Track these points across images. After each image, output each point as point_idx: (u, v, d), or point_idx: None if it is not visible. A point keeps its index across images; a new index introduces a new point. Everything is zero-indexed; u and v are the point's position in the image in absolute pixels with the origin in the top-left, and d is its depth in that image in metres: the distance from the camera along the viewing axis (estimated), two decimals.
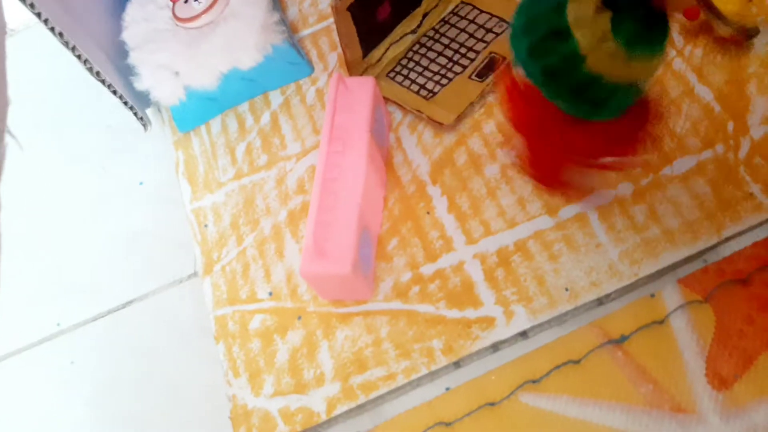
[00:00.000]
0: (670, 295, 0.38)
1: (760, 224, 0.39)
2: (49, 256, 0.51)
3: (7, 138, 0.29)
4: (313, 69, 0.52)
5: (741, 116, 0.42)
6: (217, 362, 0.43)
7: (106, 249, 0.50)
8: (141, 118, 0.50)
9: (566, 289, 0.39)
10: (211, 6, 0.48)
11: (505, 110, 0.34)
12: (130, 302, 0.48)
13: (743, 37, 0.44)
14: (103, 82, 0.46)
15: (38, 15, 0.40)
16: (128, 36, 0.49)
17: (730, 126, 0.42)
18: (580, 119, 0.28)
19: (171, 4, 0.49)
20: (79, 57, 0.44)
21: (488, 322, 0.40)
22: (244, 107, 0.52)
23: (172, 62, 0.47)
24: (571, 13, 0.22)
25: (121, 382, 0.45)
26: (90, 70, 0.45)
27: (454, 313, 0.40)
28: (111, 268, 0.49)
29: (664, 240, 0.39)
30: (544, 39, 0.23)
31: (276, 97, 0.52)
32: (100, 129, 0.54)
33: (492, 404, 0.37)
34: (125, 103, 0.49)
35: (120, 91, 0.48)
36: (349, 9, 0.43)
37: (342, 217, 0.39)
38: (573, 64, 0.23)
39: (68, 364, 0.46)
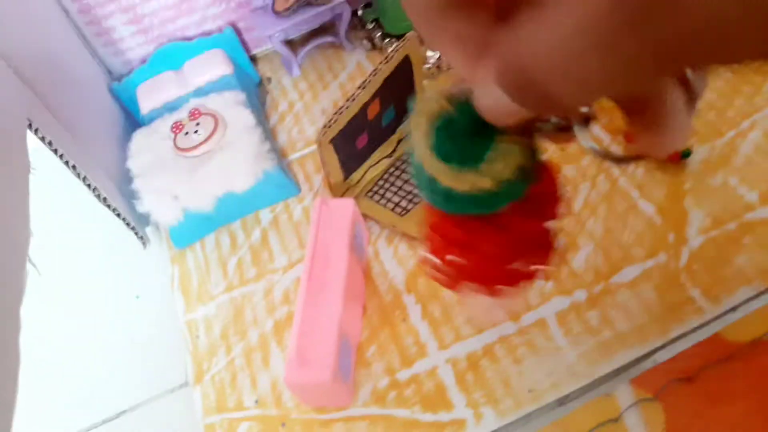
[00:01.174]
0: (624, 394, 0.41)
1: (701, 326, 0.43)
2: (45, 368, 0.54)
3: (28, 265, 0.33)
4: (299, 189, 0.57)
5: (680, 228, 0.47)
6: None
7: (102, 360, 0.53)
8: (141, 237, 0.55)
9: (529, 391, 0.42)
10: (209, 137, 0.54)
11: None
12: (123, 412, 0.50)
13: (677, 157, 0.50)
14: (109, 206, 0.51)
15: (55, 151, 0.46)
16: (133, 164, 0.55)
17: (671, 237, 0.47)
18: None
19: (173, 135, 0.55)
20: (89, 186, 0.49)
21: (459, 424, 0.42)
22: (236, 225, 0.57)
23: (172, 187, 0.53)
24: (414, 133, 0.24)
25: None
26: (98, 197, 0.50)
27: (428, 417, 0.43)
28: (106, 379, 0.52)
29: (617, 342, 0.43)
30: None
31: (266, 215, 0.57)
32: (102, 247, 0.58)
33: None
34: (128, 225, 0.53)
35: (123, 214, 0.53)
36: (331, 142, 0.49)
37: (323, 328, 0.43)
38: (426, 179, 0.24)
39: None
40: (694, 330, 0.43)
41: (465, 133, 0.22)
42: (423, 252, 0.32)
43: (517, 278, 0.30)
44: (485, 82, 0.19)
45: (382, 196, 0.54)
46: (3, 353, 0.29)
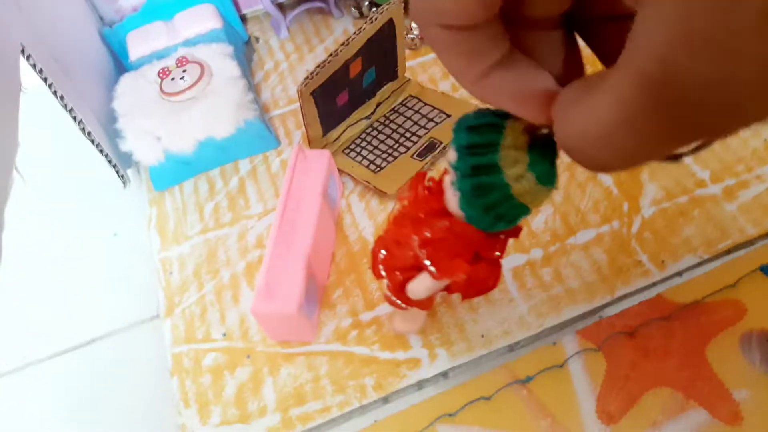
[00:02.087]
0: (569, 344, 0.44)
1: (647, 287, 0.46)
2: (21, 293, 0.55)
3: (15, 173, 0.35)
4: (279, 143, 0.59)
5: (635, 199, 0.50)
6: (170, 394, 0.47)
7: (76, 291, 0.54)
8: (122, 177, 0.57)
9: (482, 336, 0.45)
10: (194, 84, 0.56)
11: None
12: (94, 339, 0.52)
13: None
14: (92, 141, 0.53)
15: (45, 80, 0.47)
16: (118, 104, 0.56)
17: (626, 206, 0.50)
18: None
19: (159, 80, 0.57)
20: (74, 118, 0.51)
21: (415, 362, 0.45)
22: (215, 172, 0.59)
23: (155, 128, 0.54)
24: (502, 155, 0.25)
25: (82, 412, 0.48)
26: (83, 130, 0.52)
27: (386, 355, 0.46)
28: (79, 309, 0.54)
29: (567, 298, 0.46)
30: (481, 167, 0.26)
31: (245, 165, 0.59)
32: (85, 181, 0.60)
33: None
34: (110, 162, 0.55)
35: (106, 150, 0.54)
36: (312, 94, 0.51)
37: (292, 265, 0.45)
38: (499, 189, 0.26)
39: (33, 395, 0.50)
40: (640, 291, 0.46)
41: (553, 156, 0.25)
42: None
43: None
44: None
45: (358, 153, 0.56)
46: None
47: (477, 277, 0.34)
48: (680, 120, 0.15)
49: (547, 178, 0.25)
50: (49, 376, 0.51)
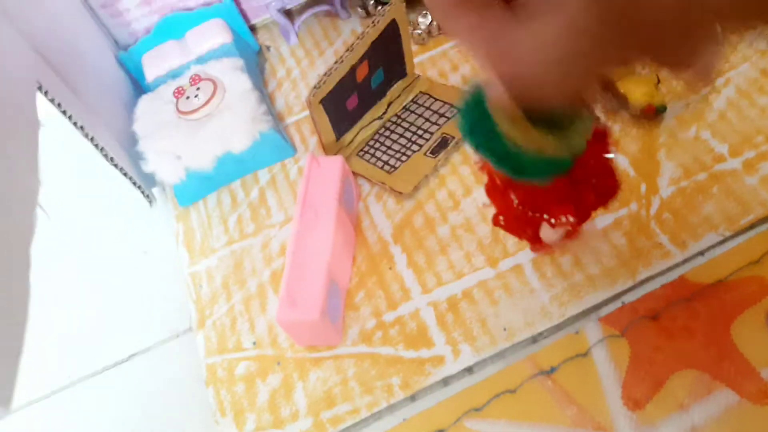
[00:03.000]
0: (592, 331, 0.44)
1: (668, 269, 0.45)
2: (61, 316, 0.58)
3: (38, 210, 0.37)
4: (296, 151, 0.61)
5: (652, 179, 0.50)
6: (207, 405, 0.49)
7: (113, 310, 0.57)
8: (147, 196, 0.59)
9: (504, 329, 0.45)
10: (208, 101, 0.57)
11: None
12: (133, 355, 0.54)
13: (653, 113, 0.52)
14: (116, 166, 0.55)
15: (64, 113, 0.49)
16: (138, 127, 0.58)
17: (643, 187, 0.49)
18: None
19: (175, 99, 0.59)
20: (96, 146, 0.52)
21: (439, 360, 0.46)
22: (236, 184, 0.60)
23: (174, 148, 0.56)
24: (500, 121, 0.26)
25: (126, 426, 0.51)
26: (105, 156, 0.54)
27: (410, 354, 0.47)
28: (117, 327, 0.56)
29: (587, 285, 0.46)
30: (485, 140, 0.27)
31: (264, 175, 0.60)
32: (112, 204, 0.62)
33: (441, 431, 0.43)
34: (134, 184, 0.57)
35: (130, 173, 0.56)
36: (321, 102, 0.52)
37: (313, 273, 0.46)
38: (498, 141, 0.27)
39: (80, 412, 0.52)
40: (662, 273, 0.46)
41: (550, 113, 0.25)
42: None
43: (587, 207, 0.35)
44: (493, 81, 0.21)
45: (372, 155, 0.57)
46: (14, 287, 0.33)
47: (586, 201, 0.35)
48: (628, 31, 0.16)
49: (540, 123, 0.25)
50: (93, 393, 0.53)
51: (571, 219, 0.34)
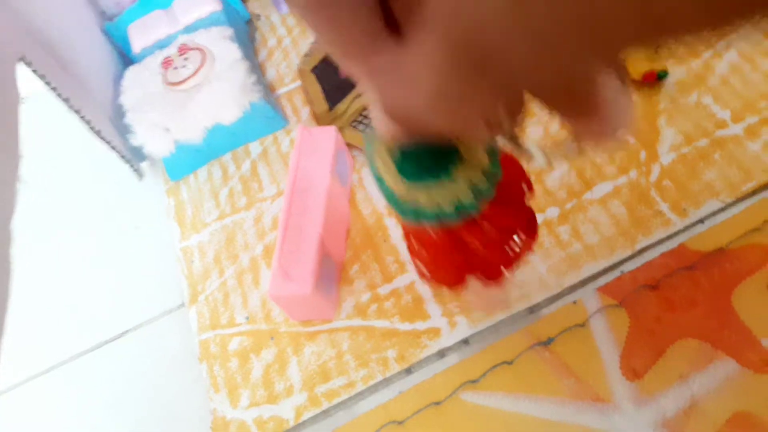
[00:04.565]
0: (590, 301, 0.43)
1: (668, 237, 0.45)
2: (53, 293, 0.57)
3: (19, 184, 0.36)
4: (287, 122, 0.59)
5: (652, 146, 0.48)
6: (201, 380, 0.48)
7: (104, 286, 0.56)
8: (136, 170, 0.57)
9: (500, 301, 0.45)
10: (196, 71, 0.55)
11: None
12: (126, 332, 0.53)
13: (654, 79, 0.51)
14: (103, 139, 0.53)
15: (48, 84, 0.48)
16: (125, 99, 0.57)
17: (643, 154, 0.48)
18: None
19: (162, 70, 0.57)
20: (83, 118, 0.51)
21: (435, 332, 0.45)
22: (227, 157, 0.59)
23: (163, 120, 0.55)
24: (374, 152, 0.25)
25: (120, 402, 0.50)
26: (92, 129, 0.52)
27: (406, 326, 0.46)
28: (109, 303, 0.55)
29: (586, 254, 0.45)
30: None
31: (255, 147, 0.59)
32: (101, 179, 0.61)
33: (437, 403, 0.42)
34: (123, 158, 0.56)
35: (117, 147, 0.55)
36: (312, 71, 0.51)
37: (305, 246, 0.45)
38: (396, 201, 0.25)
39: (74, 389, 0.52)
40: (662, 242, 0.45)
41: (427, 153, 0.23)
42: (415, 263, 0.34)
43: (509, 260, 0.32)
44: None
45: (367, 125, 0.55)
46: None
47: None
48: (495, 74, 0.15)
49: (406, 171, 0.24)
50: (87, 370, 0.52)
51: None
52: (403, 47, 0.17)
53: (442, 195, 0.24)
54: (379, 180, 0.25)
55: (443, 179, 0.24)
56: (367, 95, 0.20)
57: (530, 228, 0.33)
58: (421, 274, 0.35)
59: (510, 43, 0.14)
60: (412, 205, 0.25)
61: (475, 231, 0.30)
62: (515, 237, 0.32)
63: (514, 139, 0.21)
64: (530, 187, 0.32)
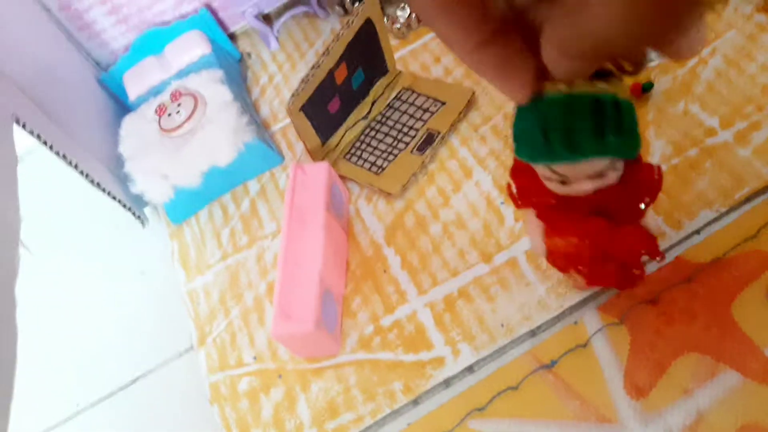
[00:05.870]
0: (591, 321, 0.43)
1: (665, 251, 0.45)
2: (64, 345, 0.58)
3: (21, 249, 0.37)
4: (283, 158, 0.60)
5: (643, 158, 0.48)
6: (213, 423, 0.49)
7: (114, 334, 0.57)
8: (138, 217, 0.59)
9: (502, 325, 0.45)
10: (189, 117, 0.57)
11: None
12: (137, 378, 0.54)
13: (639, 91, 0.51)
14: (103, 190, 0.55)
15: (43, 141, 0.49)
16: (123, 148, 0.58)
17: None
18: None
19: (157, 117, 0.58)
20: (81, 172, 0.52)
21: (439, 361, 0.45)
22: (227, 197, 0.60)
23: (160, 167, 0.56)
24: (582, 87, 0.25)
25: None
26: (92, 182, 0.53)
27: (410, 357, 0.46)
28: (119, 350, 0.56)
29: None
30: (568, 121, 0.26)
31: (253, 186, 0.59)
32: (105, 228, 0.62)
33: None
34: (124, 206, 0.57)
35: (118, 196, 0.56)
36: (301, 109, 0.52)
37: (305, 284, 0.46)
38: (599, 106, 0.26)
39: None
40: None
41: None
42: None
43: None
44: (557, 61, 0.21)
45: (359, 157, 0.56)
46: (0, 330, 0.33)
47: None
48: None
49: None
50: (101, 419, 0.53)
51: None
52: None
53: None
54: (599, 98, 0.25)
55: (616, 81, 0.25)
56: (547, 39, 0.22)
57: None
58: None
59: None
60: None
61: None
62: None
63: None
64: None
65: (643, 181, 0.34)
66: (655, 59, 0.25)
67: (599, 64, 0.24)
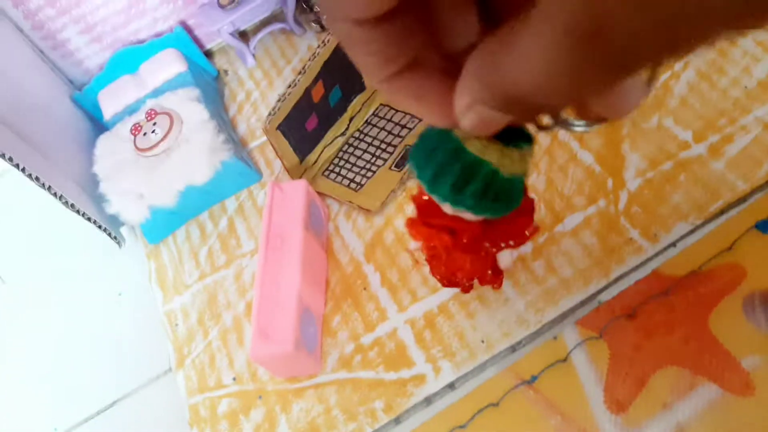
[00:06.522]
0: (570, 336, 0.43)
1: (642, 264, 0.45)
2: (41, 369, 0.57)
3: None
4: (261, 175, 0.60)
5: (618, 173, 0.49)
6: None
7: (92, 357, 0.56)
8: (115, 238, 0.58)
9: (482, 341, 0.45)
10: (165, 136, 0.56)
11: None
12: (115, 401, 0.53)
13: None
14: (78, 212, 0.54)
15: (14, 164, 0.48)
16: (98, 168, 0.57)
17: (610, 183, 0.49)
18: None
19: (132, 137, 0.58)
20: (54, 194, 0.51)
21: (420, 379, 0.45)
22: (204, 216, 0.59)
23: (135, 187, 0.55)
24: (472, 148, 0.25)
25: None
26: (65, 203, 0.53)
27: (391, 375, 0.46)
28: (97, 374, 0.55)
29: (562, 288, 0.45)
30: (444, 163, 0.25)
31: (231, 204, 0.59)
32: (81, 250, 0.61)
33: None
34: (99, 227, 0.56)
35: (93, 217, 0.55)
36: (278, 128, 0.51)
37: (283, 304, 0.46)
38: (472, 170, 0.25)
39: None
40: (635, 269, 0.45)
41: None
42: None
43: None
44: (466, 110, 0.21)
45: (338, 173, 0.56)
46: None
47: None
48: (614, 58, 0.16)
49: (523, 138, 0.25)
50: None
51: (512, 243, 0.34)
52: (516, 33, 0.18)
53: (528, 160, 0.26)
54: (478, 163, 0.25)
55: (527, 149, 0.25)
56: (467, 89, 0.21)
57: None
58: (467, 287, 0.39)
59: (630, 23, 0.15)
60: (519, 178, 0.26)
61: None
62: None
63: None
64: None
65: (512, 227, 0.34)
66: (580, 125, 0.23)
67: (516, 120, 0.21)
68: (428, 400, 0.44)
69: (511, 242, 0.34)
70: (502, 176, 0.25)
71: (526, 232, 0.34)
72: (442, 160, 0.25)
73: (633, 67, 0.16)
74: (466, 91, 0.20)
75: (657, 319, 0.42)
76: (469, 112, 0.21)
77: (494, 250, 0.35)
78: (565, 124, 0.24)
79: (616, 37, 0.15)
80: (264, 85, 0.66)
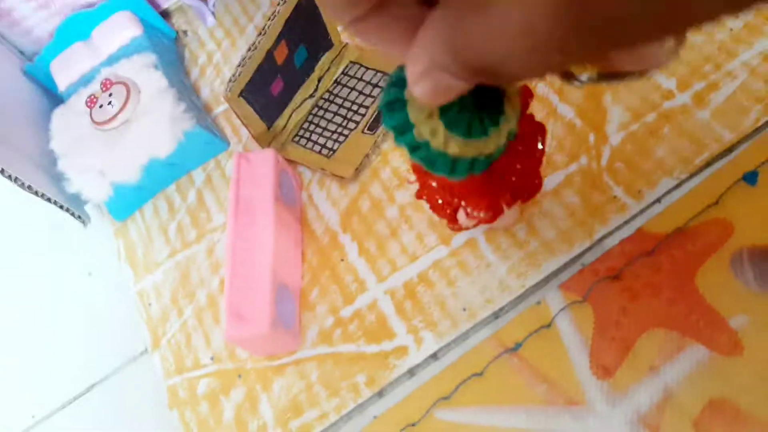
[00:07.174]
0: (554, 300, 0.42)
1: (626, 223, 0.43)
2: (14, 357, 0.55)
3: None
4: (228, 144, 0.57)
5: (600, 127, 0.47)
6: (174, 428, 0.47)
7: (65, 341, 0.54)
8: (79, 217, 0.55)
9: (464, 309, 0.43)
10: (122, 107, 0.53)
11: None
12: (92, 386, 0.52)
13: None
14: (36, 193, 0.51)
15: None
16: (55, 144, 0.54)
17: (591, 137, 0.47)
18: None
19: (88, 109, 0.54)
20: (9, 177, 0.49)
21: (402, 350, 0.44)
22: (171, 189, 0.57)
23: (95, 163, 0.52)
24: (411, 112, 0.24)
25: None
26: (22, 186, 0.50)
27: (372, 348, 0.45)
28: (73, 358, 0.53)
29: (544, 251, 0.44)
30: (400, 126, 0.25)
31: (198, 175, 0.56)
32: (45, 231, 0.59)
33: (413, 425, 0.41)
34: (61, 207, 0.53)
35: (54, 197, 0.52)
36: (241, 95, 0.48)
37: (256, 281, 0.44)
38: (416, 144, 0.25)
39: None
40: (619, 228, 0.43)
41: (470, 108, 0.23)
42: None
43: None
44: (420, 77, 0.19)
45: (309, 139, 0.53)
46: None
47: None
48: (591, 28, 0.14)
49: (456, 124, 0.23)
50: (58, 430, 0.51)
51: (482, 215, 0.33)
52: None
53: (491, 143, 0.25)
54: (422, 146, 0.24)
55: (483, 136, 0.24)
56: (427, 45, 0.19)
57: (541, 131, 0.35)
58: (462, 218, 0.37)
59: None
60: (465, 161, 0.25)
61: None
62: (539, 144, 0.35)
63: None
64: (531, 95, 0.34)
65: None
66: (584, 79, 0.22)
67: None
68: (411, 372, 0.43)
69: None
70: (436, 154, 0.24)
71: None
72: (399, 121, 0.24)
73: (627, 39, 0.15)
74: (423, 53, 0.18)
75: (643, 280, 0.41)
76: (424, 79, 0.19)
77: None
78: (569, 78, 0.22)
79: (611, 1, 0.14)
80: (226, 46, 0.63)
